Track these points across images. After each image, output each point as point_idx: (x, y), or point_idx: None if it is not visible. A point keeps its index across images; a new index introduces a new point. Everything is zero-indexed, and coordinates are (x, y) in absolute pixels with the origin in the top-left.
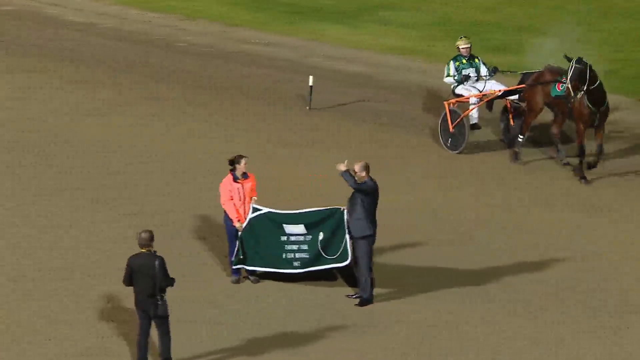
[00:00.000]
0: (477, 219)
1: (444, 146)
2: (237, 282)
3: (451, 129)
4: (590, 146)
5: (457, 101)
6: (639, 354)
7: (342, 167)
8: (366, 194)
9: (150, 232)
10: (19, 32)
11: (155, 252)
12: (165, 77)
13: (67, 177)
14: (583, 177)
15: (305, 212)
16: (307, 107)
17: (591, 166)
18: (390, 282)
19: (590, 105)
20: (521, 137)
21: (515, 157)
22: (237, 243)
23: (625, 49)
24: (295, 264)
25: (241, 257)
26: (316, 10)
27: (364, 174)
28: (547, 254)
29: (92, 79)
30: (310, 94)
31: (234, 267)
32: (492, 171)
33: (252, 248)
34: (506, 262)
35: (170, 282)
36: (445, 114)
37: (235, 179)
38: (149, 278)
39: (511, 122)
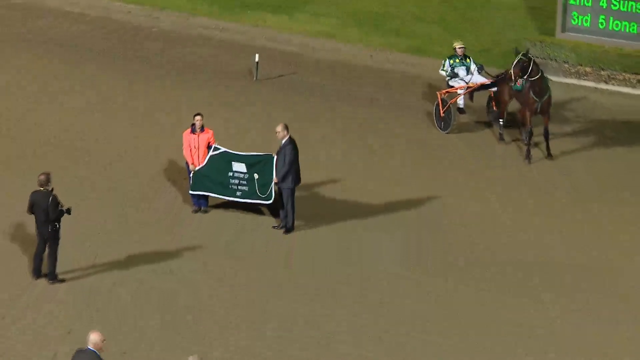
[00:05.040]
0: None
1: (437, 127)
2: (196, 212)
3: (442, 114)
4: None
5: (447, 92)
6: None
7: (275, 180)
8: (292, 156)
9: (47, 174)
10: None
11: (51, 190)
12: (136, 57)
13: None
14: (528, 158)
15: (247, 154)
16: (255, 78)
17: (549, 155)
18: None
19: (533, 96)
20: (501, 120)
21: (500, 137)
22: (191, 175)
23: (500, 32)
24: (238, 193)
25: (191, 183)
26: (260, 3)
27: (285, 132)
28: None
29: (75, 59)
30: (257, 68)
31: (191, 192)
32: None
33: (208, 178)
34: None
35: (62, 214)
36: (438, 102)
37: (192, 131)
38: (43, 210)
39: (494, 107)
